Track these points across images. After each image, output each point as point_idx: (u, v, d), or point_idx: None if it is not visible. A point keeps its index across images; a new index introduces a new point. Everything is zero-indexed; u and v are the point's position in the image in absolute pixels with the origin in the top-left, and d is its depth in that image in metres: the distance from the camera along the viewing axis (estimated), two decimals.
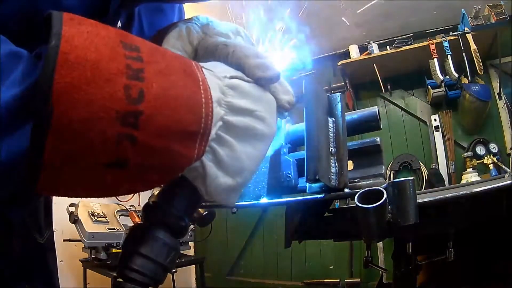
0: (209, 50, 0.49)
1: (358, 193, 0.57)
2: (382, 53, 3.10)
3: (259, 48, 0.72)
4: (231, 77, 0.41)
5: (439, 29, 3.15)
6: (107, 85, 0.30)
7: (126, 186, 0.36)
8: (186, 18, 0.57)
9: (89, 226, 2.35)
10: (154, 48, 0.37)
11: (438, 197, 0.74)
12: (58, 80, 0.28)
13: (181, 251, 2.92)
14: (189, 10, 0.73)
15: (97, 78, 0.30)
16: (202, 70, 0.40)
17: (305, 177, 0.63)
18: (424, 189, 2.91)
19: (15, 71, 0.32)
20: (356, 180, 0.74)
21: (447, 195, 0.73)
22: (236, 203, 0.54)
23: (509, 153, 2.81)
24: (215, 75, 0.40)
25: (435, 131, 3.12)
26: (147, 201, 0.43)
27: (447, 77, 2.90)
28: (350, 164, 0.77)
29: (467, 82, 2.88)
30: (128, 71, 0.32)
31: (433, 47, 2.87)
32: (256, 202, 0.74)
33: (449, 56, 2.84)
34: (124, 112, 0.31)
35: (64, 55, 0.29)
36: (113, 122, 0.31)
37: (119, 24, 0.57)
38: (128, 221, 2.71)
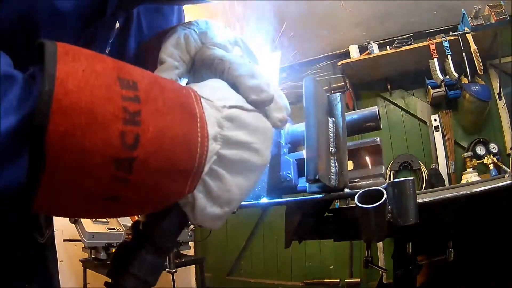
0: (206, 63, 0.49)
1: (358, 193, 0.57)
2: (382, 53, 3.09)
3: (259, 47, 0.72)
4: (231, 107, 0.41)
5: (439, 29, 3.15)
6: (102, 132, 0.30)
7: (120, 213, 0.39)
8: (186, 19, 0.56)
9: (89, 226, 2.36)
10: (152, 82, 0.36)
11: (438, 197, 0.74)
12: (52, 129, 0.28)
13: (181, 251, 2.92)
14: (189, 10, 0.73)
15: (92, 125, 0.29)
16: (200, 102, 0.39)
17: (305, 177, 0.63)
18: (424, 189, 2.91)
19: (9, 96, 0.30)
20: (356, 180, 0.74)
21: (447, 195, 0.73)
22: None
23: (509, 153, 2.81)
24: (214, 106, 0.40)
25: (435, 131, 3.12)
26: (136, 220, 0.46)
27: (447, 77, 2.90)
28: (350, 164, 0.77)
29: (467, 82, 2.88)
30: (124, 115, 0.31)
31: (433, 47, 2.86)
32: (256, 202, 0.74)
33: (449, 56, 2.84)
34: (118, 158, 0.31)
35: (58, 101, 0.28)
36: (107, 166, 0.31)
37: (117, 25, 0.56)
38: (128, 221, 2.71)
